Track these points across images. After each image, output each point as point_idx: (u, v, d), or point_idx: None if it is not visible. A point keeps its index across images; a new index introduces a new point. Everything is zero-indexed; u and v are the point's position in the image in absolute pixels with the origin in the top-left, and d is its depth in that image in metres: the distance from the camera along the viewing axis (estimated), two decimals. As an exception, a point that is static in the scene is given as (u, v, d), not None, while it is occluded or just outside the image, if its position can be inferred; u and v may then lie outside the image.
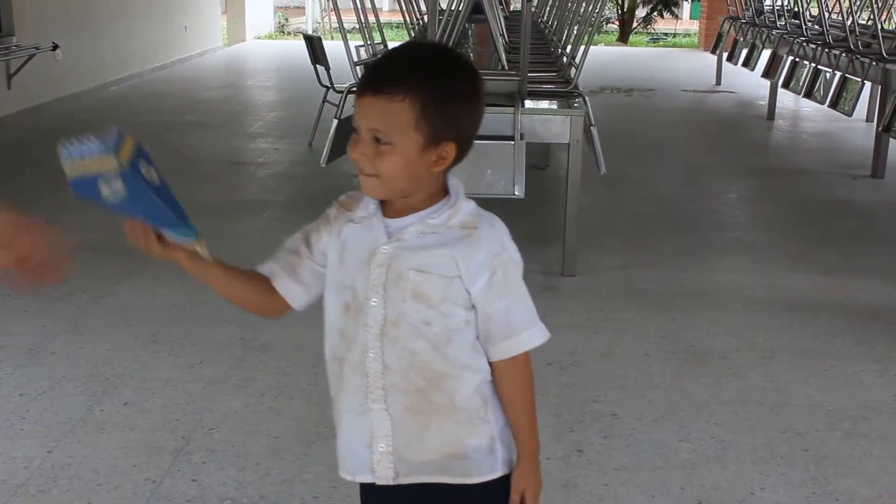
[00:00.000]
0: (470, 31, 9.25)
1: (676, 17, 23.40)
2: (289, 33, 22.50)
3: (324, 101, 8.29)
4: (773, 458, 3.22)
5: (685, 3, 23.25)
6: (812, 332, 4.36)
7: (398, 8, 9.79)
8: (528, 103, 5.12)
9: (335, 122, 5.46)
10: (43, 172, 7.25)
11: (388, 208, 1.70)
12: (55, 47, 9.63)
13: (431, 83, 1.60)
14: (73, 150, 1.66)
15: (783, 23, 10.43)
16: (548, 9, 10.60)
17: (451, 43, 5.77)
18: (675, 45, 20.91)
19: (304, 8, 25.25)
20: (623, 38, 21.36)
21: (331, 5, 5.59)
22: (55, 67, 9.79)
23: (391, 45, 7.47)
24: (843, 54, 8.07)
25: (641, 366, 3.95)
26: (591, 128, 5.26)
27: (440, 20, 5.74)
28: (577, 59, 5.75)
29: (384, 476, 1.74)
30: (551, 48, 7.99)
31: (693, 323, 4.44)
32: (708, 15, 18.28)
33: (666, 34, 22.82)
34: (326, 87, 8.28)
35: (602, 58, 15.16)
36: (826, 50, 8.50)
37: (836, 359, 4.07)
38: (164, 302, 4.58)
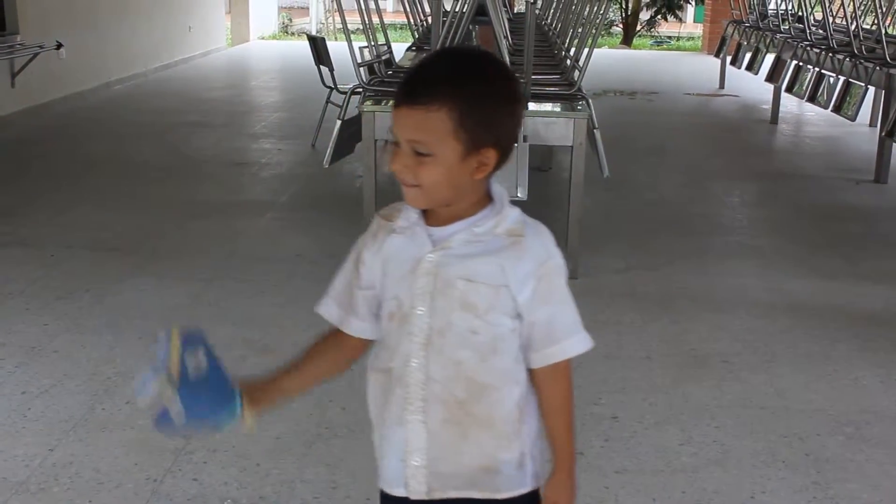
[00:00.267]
0: (474, 34, 9.24)
1: (680, 20, 23.41)
2: (292, 34, 22.51)
3: (327, 102, 8.29)
4: (774, 462, 3.22)
5: (689, 6, 23.23)
6: (814, 336, 4.36)
7: (402, 9, 9.80)
8: (532, 106, 5.12)
9: (338, 122, 5.47)
10: (46, 171, 7.27)
11: (431, 217, 1.68)
12: (59, 46, 9.64)
13: (468, 90, 1.58)
14: (138, 389, 1.72)
15: (787, 27, 10.43)
16: (552, 11, 10.60)
17: (455, 44, 5.77)
18: (678, 49, 20.90)
19: (308, 8, 25.24)
20: (627, 41, 21.35)
21: (335, 6, 5.59)
22: (59, 66, 9.80)
23: (395, 46, 7.48)
24: (847, 59, 8.07)
25: (643, 369, 3.95)
26: (595, 130, 5.27)
27: (444, 22, 5.74)
28: (581, 62, 5.75)
29: (417, 490, 1.72)
30: (555, 51, 7.98)
31: (695, 326, 4.43)
32: (712, 18, 18.27)
33: (670, 37, 22.81)
34: (330, 87, 8.28)
35: (606, 60, 15.16)
36: (830, 54, 8.50)
37: (837, 363, 4.07)
38: (167, 301, 4.58)
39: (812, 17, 10.20)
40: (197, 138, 8.82)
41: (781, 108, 10.40)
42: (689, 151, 9.01)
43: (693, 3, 22.61)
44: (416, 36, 9.20)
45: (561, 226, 5.06)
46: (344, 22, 5.59)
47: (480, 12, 6.57)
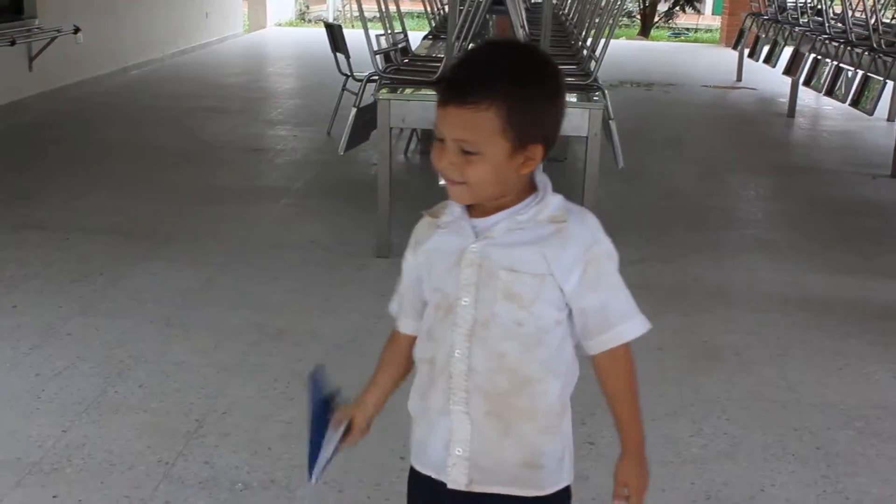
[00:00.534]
0: (491, 23, 9.23)
1: (699, 12, 23.32)
2: (310, 21, 22.51)
3: (343, 90, 8.29)
4: (784, 455, 3.22)
5: (707, -2, 23.17)
6: (827, 330, 4.35)
7: (419, -3, 9.79)
8: (548, 95, 5.10)
9: (354, 110, 5.47)
10: (62, 155, 7.31)
11: (475, 209, 1.67)
12: (77, 30, 9.66)
13: (515, 89, 1.57)
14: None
15: (806, 20, 10.37)
16: (569, 1, 10.57)
17: (471, 34, 5.76)
18: (696, 41, 20.82)
19: (325, -4, 25.25)
20: (644, 32, 21.29)
21: (352, -6, 5.60)
22: (76, 50, 9.83)
23: (412, 34, 7.47)
24: (866, 53, 8.03)
25: (654, 360, 3.94)
26: (610, 121, 5.25)
27: (461, 11, 5.73)
28: (598, 53, 5.73)
29: (457, 481, 1.71)
30: (571, 41, 7.97)
31: (707, 319, 4.43)
32: (730, 10, 18.18)
33: (688, 29, 22.73)
34: (346, 75, 8.27)
35: (623, 52, 15.12)
36: (848, 48, 8.45)
37: (850, 358, 4.06)
38: (180, 286, 4.60)
39: (831, 11, 10.14)
40: (213, 124, 8.84)
41: (799, 102, 10.35)
42: (706, 144, 8.98)
43: (711, -6, 22.52)
44: (433, 25, 9.19)
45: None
46: (361, 9, 5.58)
47: (498, 1, 6.56)
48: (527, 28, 7.38)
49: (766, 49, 11.75)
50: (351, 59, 8.17)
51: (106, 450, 3.09)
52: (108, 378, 3.60)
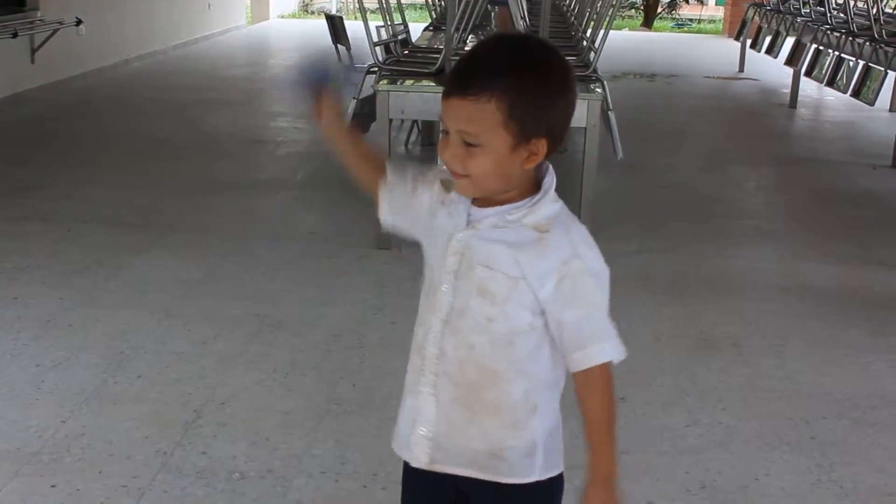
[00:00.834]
0: (493, 14, 9.23)
1: (701, 2, 23.28)
2: (313, 12, 22.50)
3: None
4: (779, 444, 3.23)
5: (711, -12, 23.11)
6: (826, 320, 4.36)
7: (421, -11, 9.78)
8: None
9: (353, 101, 5.47)
10: (64, 147, 7.32)
11: (480, 198, 1.67)
12: (79, 22, 9.68)
13: (518, 82, 1.56)
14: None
15: (807, 10, 10.37)
16: (571, -7, 10.56)
17: (471, 25, 5.76)
18: (699, 31, 20.78)
19: (328, -13, 25.22)
20: (647, 23, 21.25)
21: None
22: (78, 42, 9.84)
23: (413, 26, 7.48)
24: (867, 43, 8.02)
25: (652, 351, 3.96)
26: (609, 112, 5.26)
27: (461, 2, 5.74)
28: (597, 44, 5.74)
29: (418, 459, 1.75)
30: (572, 32, 7.96)
31: (706, 309, 4.44)
32: (733, 1, 18.16)
33: (691, 20, 22.68)
34: (347, 66, 8.28)
35: (626, 43, 15.11)
36: (850, 38, 8.45)
37: (848, 348, 4.07)
38: (180, 277, 4.62)
39: (833, 1, 10.13)
40: (215, 116, 8.85)
41: (800, 92, 10.34)
42: (707, 134, 8.98)
43: (715, -15, 22.47)
44: (434, 16, 9.19)
45: (574, 207, 5.06)
46: (360, 1, 5.59)
47: (499, -8, 6.56)
48: (527, 19, 7.38)
49: (768, 40, 11.74)
50: (352, 51, 8.18)
51: (105, 440, 3.11)
52: (108, 368, 3.62)
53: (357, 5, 6.28)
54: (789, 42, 10.68)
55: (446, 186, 1.71)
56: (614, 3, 6.00)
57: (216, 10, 15.41)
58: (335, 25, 8.48)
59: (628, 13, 21.72)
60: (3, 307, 4.19)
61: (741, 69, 12.97)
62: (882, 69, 7.68)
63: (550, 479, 1.78)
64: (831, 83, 8.68)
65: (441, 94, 1.61)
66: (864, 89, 7.93)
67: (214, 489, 2.87)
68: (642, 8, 21.97)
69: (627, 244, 5.30)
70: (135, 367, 3.65)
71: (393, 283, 4.51)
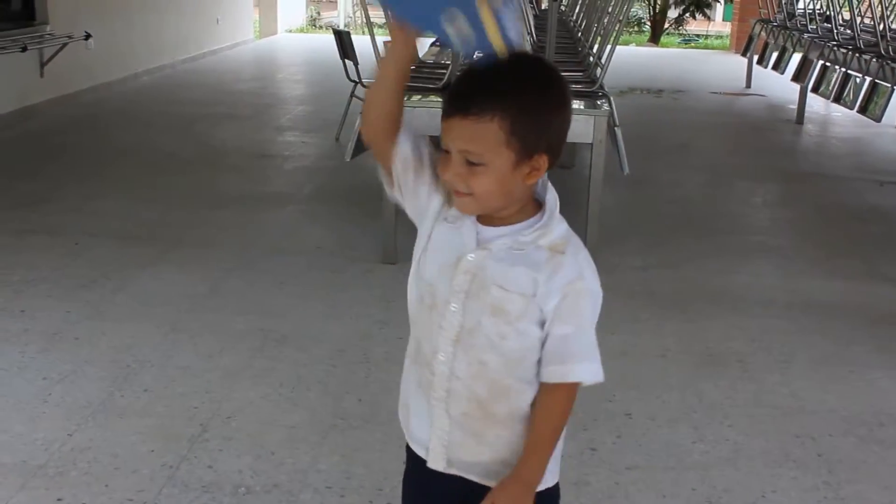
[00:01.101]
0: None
1: (709, 18, 23.29)
2: (320, 27, 22.57)
3: (352, 96, 8.32)
4: (785, 461, 3.23)
5: (718, 4, 23.10)
6: (831, 337, 4.35)
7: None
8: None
9: (361, 117, 5.49)
10: (72, 160, 7.35)
11: (482, 215, 1.68)
12: (88, 36, 9.72)
13: (519, 100, 1.57)
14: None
15: (814, 27, 10.37)
16: (577, 8, 10.59)
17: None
18: (706, 47, 20.80)
19: (336, 2, 25.31)
20: (654, 38, 21.28)
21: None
22: (87, 56, 9.88)
23: (419, 41, 7.49)
24: (874, 59, 8.03)
25: (657, 366, 3.96)
26: (616, 128, 5.27)
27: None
28: (603, 60, 5.75)
29: (436, 463, 1.77)
30: (578, 48, 7.98)
31: (711, 325, 4.44)
32: (740, 17, 18.17)
33: (698, 35, 22.71)
34: (354, 81, 8.31)
35: (633, 58, 15.14)
36: (857, 55, 8.46)
37: (853, 365, 4.06)
38: (186, 291, 4.63)
39: (840, 17, 10.14)
40: (222, 130, 8.88)
41: (807, 108, 10.34)
42: (714, 150, 8.99)
43: (722, 1, 22.50)
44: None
45: (580, 223, 5.07)
46: (367, 16, 5.61)
47: (505, 8, 6.57)
48: (534, 34, 7.40)
49: (774, 55, 11.75)
50: (359, 66, 8.21)
51: (111, 453, 3.12)
52: (115, 382, 3.63)
53: (364, 20, 6.30)
54: (796, 58, 10.69)
55: (448, 202, 1.72)
56: (621, 18, 6.01)
57: (224, 24, 15.47)
58: (343, 40, 8.50)
59: (634, 28, 21.75)
60: (10, 320, 4.20)
61: (748, 85, 12.98)
62: (889, 85, 7.68)
63: (556, 485, 1.81)
64: (838, 99, 8.68)
65: (441, 115, 1.62)
66: (870, 105, 7.93)
67: (220, 503, 2.87)
68: (649, 23, 22.01)
69: (633, 259, 5.30)
70: (141, 380, 3.66)
71: (398, 297, 4.48)
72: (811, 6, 10.79)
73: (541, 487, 1.75)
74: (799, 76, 10.18)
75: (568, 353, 1.67)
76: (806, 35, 10.39)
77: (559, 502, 1.84)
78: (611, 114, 5.09)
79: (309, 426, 3.36)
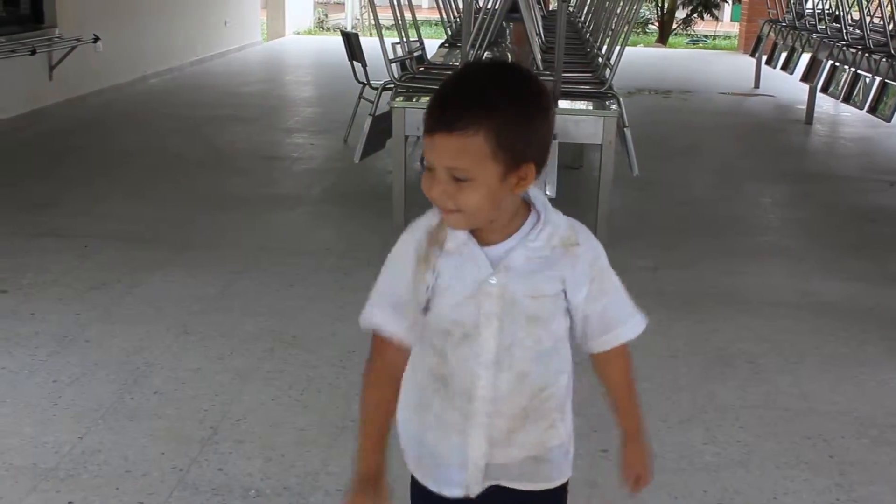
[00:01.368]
0: (508, 30, 9.24)
1: (717, 18, 23.25)
2: (328, 29, 22.58)
3: (360, 98, 8.32)
4: (797, 463, 3.21)
5: (726, 5, 23.05)
6: (842, 338, 4.33)
7: (436, 6, 9.81)
8: (562, 103, 5.12)
9: (369, 118, 5.49)
10: (81, 162, 7.37)
11: (478, 234, 1.65)
12: (96, 39, 9.76)
13: (503, 111, 1.54)
14: None
15: (823, 26, 10.35)
16: (586, 9, 10.57)
17: (486, 42, 5.78)
18: (714, 48, 20.76)
19: (343, 4, 25.33)
20: (662, 39, 21.24)
21: (369, 1, 5.59)
22: (96, 59, 9.91)
23: (429, 42, 7.50)
24: (884, 59, 8.00)
25: (668, 367, 3.94)
26: (625, 129, 5.26)
27: (476, 19, 5.76)
28: (612, 60, 5.74)
29: (476, 488, 1.74)
30: (587, 49, 7.97)
31: (721, 326, 4.42)
32: (748, 17, 18.13)
33: (706, 36, 22.66)
34: (363, 83, 8.31)
35: (641, 59, 15.11)
36: (866, 54, 8.43)
37: (865, 366, 4.05)
38: (196, 293, 4.63)
39: (849, 17, 10.11)
40: (230, 132, 8.89)
41: (816, 109, 10.32)
42: (722, 151, 8.97)
43: (730, 1, 22.45)
44: (449, 33, 9.21)
45: (590, 224, 5.04)
46: (376, 17, 5.61)
47: (514, 9, 6.57)
48: (542, 35, 7.39)
49: (783, 56, 11.71)
50: (367, 68, 8.21)
51: (121, 456, 3.12)
52: (125, 385, 3.63)
53: (372, 22, 6.31)
54: (805, 58, 10.65)
55: (435, 239, 1.66)
56: (630, 19, 6.00)
57: (232, 26, 15.49)
58: (351, 42, 8.51)
59: (638, 30, 21.72)
60: (21, 323, 4.21)
61: (756, 85, 12.95)
62: (898, 85, 7.66)
63: (568, 480, 1.83)
64: (847, 99, 8.66)
65: (424, 131, 1.58)
66: (880, 105, 7.90)
67: (230, 506, 2.87)
68: (657, 24, 21.98)
69: (643, 260, 5.29)
70: (151, 383, 3.66)
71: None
72: (820, 6, 10.76)
73: (560, 481, 1.78)
74: (808, 76, 10.15)
75: (611, 321, 1.73)
76: (815, 35, 10.36)
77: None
78: (620, 115, 5.09)
79: (319, 428, 3.36)
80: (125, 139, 8.45)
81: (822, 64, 9.75)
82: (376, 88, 6.17)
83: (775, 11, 13.14)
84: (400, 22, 6.05)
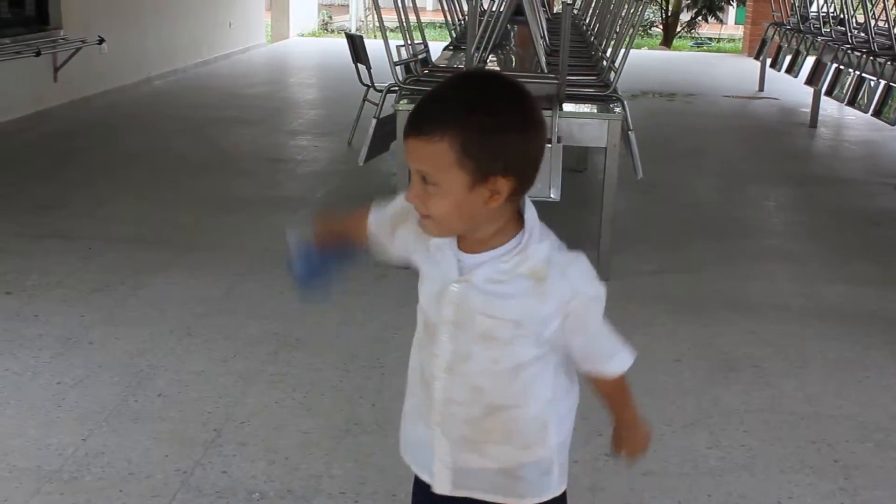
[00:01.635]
0: (513, 33, 9.25)
1: (721, 21, 23.26)
2: (332, 31, 22.61)
3: (364, 100, 8.32)
4: (802, 467, 3.21)
5: (730, 7, 23.07)
6: (846, 342, 4.33)
7: (440, 8, 9.81)
8: (567, 106, 5.12)
9: (374, 121, 5.49)
10: (86, 164, 7.37)
11: (461, 240, 1.66)
12: (101, 41, 9.76)
13: (470, 120, 1.53)
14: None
15: (828, 30, 10.34)
16: (590, 12, 10.57)
17: (491, 44, 5.78)
18: (719, 51, 20.77)
19: (348, 6, 25.35)
20: (667, 42, 21.25)
21: (374, 4, 5.58)
22: (100, 61, 9.91)
23: (433, 45, 7.50)
24: (889, 62, 7.99)
25: (672, 372, 3.94)
26: (630, 132, 5.25)
27: (480, 21, 5.75)
28: (617, 63, 5.74)
29: (442, 487, 1.77)
30: (592, 51, 7.96)
31: (726, 330, 4.42)
32: (753, 20, 18.13)
33: (710, 39, 22.68)
34: (367, 86, 8.31)
35: (645, 62, 15.11)
36: (871, 58, 8.41)
37: (870, 370, 4.04)
38: (200, 295, 4.63)
39: (854, 20, 10.10)
40: (234, 134, 8.89)
41: (821, 112, 10.29)
42: (727, 154, 8.96)
43: (734, 4, 22.45)
44: (454, 35, 9.21)
45: (594, 227, 5.05)
46: (380, 20, 5.61)
47: (519, 12, 6.58)
48: (547, 38, 7.39)
49: (788, 59, 11.70)
50: (372, 70, 8.21)
51: (125, 458, 3.12)
52: (129, 387, 3.63)
53: (377, 24, 6.30)
54: (809, 61, 10.64)
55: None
56: (634, 22, 5.99)
57: (237, 28, 15.51)
58: (355, 44, 8.52)
59: (640, 33, 21.72)
60: (24, 325, 4.21)
61: (761, 88, 12.94)
62: (903, 89, 7.64)
63: (563, 493, 1.82)
64: (852, 103, 8.64)
65: (402, 135, 1.62)
66: (885, 109, 7.89)
67: (234, 509, 2.87)
68: (661, 27, 21.98)
69: (647, 264, 5.29)
70: (155, 385, 3.66)
71: (412, 302, 4.48)
72: (825, 9, 10.75)
73: (549, 496, 1.77)
74: (812, 79, 10.13)
75: (596, 357, 1.74)
76: (820, 38, 10.34)
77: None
78: (625, 118, 5.08)
79: (323, 431, 3.35)
80: (129, 141, 8.46)
81: (827, 67, 9.74)
82: (381, 91, 6.17)
83: (780, 14, 13.13)
84: (404, 24, 6.05)
